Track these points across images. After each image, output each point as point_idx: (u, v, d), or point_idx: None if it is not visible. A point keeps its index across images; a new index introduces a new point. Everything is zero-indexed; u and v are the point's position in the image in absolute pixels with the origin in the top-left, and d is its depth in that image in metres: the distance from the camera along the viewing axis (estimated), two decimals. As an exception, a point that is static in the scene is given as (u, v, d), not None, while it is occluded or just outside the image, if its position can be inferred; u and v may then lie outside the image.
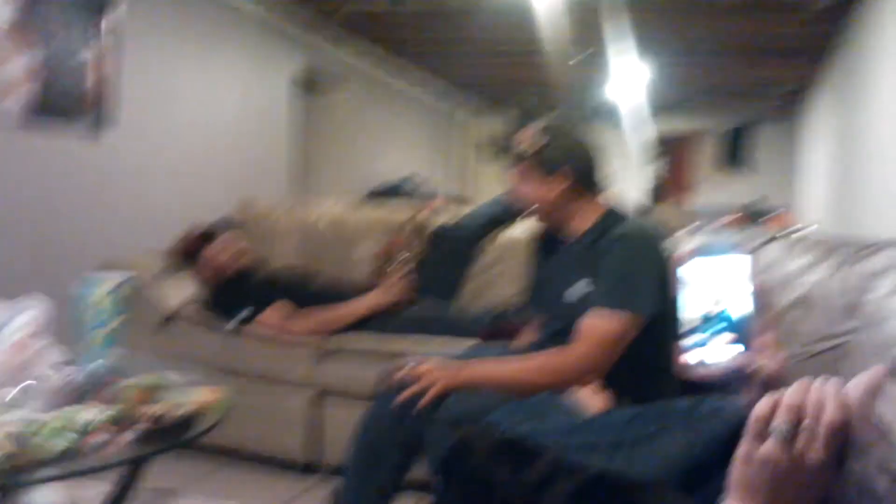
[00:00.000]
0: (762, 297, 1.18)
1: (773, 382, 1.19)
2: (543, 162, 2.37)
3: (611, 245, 2.28)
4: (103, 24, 4.62)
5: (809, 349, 2.28)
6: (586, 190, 2.42)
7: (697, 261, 1.21)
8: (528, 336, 2.74)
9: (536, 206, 2.42)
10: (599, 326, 2.21)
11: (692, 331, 1.20)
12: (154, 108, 5.27)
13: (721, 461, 1.30)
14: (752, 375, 1.20)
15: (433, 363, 2.25)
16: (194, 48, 5.73)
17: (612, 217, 2.39)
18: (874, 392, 0.89)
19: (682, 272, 1.21)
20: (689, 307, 1.20)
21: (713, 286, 1.20)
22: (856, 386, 0.90)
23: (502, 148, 2.37)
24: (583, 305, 2.29)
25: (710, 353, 1.19)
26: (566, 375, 2.20)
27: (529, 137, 2.41)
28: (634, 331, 2.21)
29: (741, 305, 1.18)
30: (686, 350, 1.19)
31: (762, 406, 0.94)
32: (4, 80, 3.97)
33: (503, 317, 3.35)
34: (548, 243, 2.60)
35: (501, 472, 1.37)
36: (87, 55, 4.52)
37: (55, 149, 4.39)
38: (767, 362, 1.17)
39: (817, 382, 0.92)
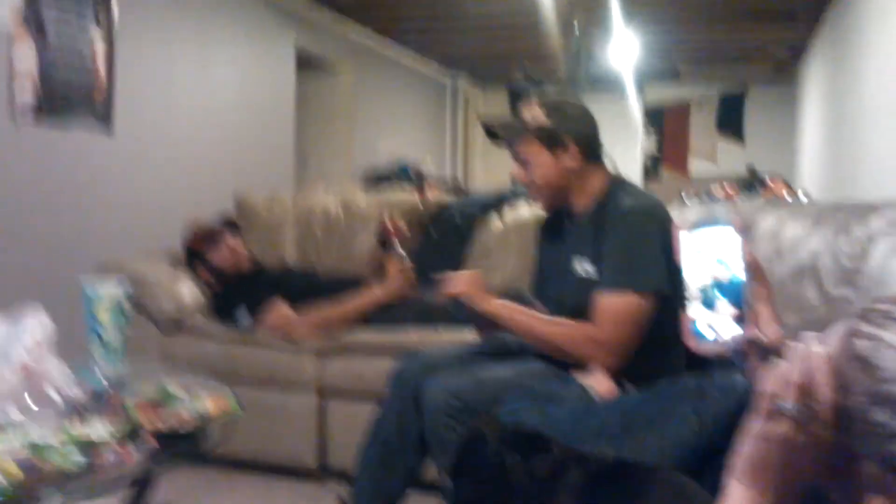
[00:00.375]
0: (756, 269, 1.18)
1: (772, 354, 1.19)
2: (547, 136, 2.35)
3: (614, 222, 2.27)
4: (104, 16, 4.63)
5: (810, 317, 2.29)
6: (590, 160, 2.40)
7: (690, 234, 1.21)
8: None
9: (542, 182, 2.39)
10: (614, 307, 2.20)
11: (694, 303, 1.20)
12: (152, 98, 5.24)
13: (730, 440, 1.32)
14: (751, 348, 1.20)
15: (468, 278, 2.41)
16: (192, 32, 5.68)
17: (617, 186, 2.38)
18: (850, 334, 0.92)
19: (678, 245, 1.21)
20: (688, 280, 1.20)
21: (707, 259, 1.20)
22: (834, 332, 0.94)
23: (503, 126, 2.35)
24: (591, 282, 2.28)
25: (712, 326, 1.19)
26: (595, 354, 2.20)
27: (530, 113, 2.38)
28: (649, 309, 2.19)
29: (736, 278, 1.18)
30: (691, 323, 1.19)
31: (771, 382, 0.97)
32: (10, 74, 4.00)
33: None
34: (553, 225, 2.58)
35: (513, 460, 1.38)
36: (90, 48, 4.54)
37: (57, 144, 4.40)
38: (765, 334, 1.18)
39: (807, 347, 0.96)
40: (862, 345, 0.91)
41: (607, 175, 2.42)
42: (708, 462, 1.31)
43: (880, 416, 0.87)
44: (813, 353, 0.94)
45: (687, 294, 1.20)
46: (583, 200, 2.39)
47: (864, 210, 2.36)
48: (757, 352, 1.20)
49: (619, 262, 2.23)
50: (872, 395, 0.88)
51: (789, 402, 0.94)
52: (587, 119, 2.43)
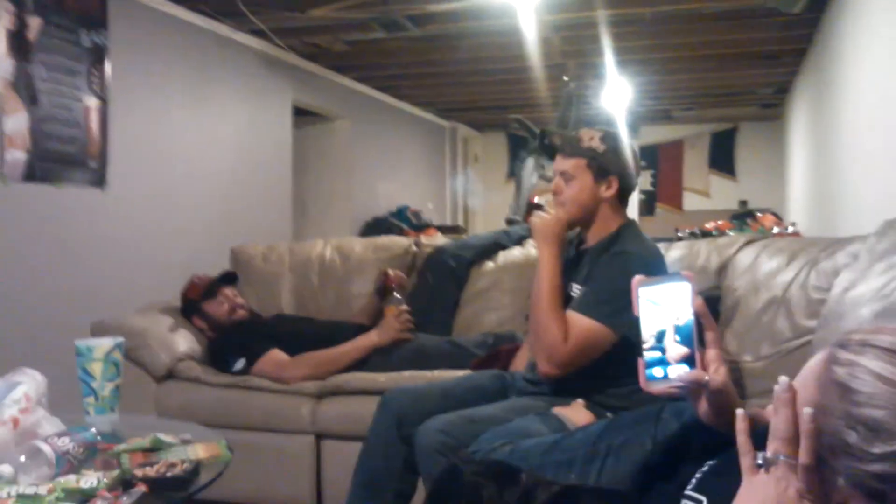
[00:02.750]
0: (704, 315, 1.27)
1: (719, 394, 1.28)
2: (599, 166, 2.46)
3: (611, 259, 2.38)
4: (97, 74, 4.74)
5: (782, 348, 2.37)
6: (619, 203, 2.53)
7: (645, 289, 1.32)
8: (524, 355, 2.83)
9: (574, 201, 2.49)
10: (580, 326, 2.32)
11: (648, 349, 1.30)
12: (148, 153, 5.29)
13: (675, 458, 1.40)
14: (700, 389, 1.29)
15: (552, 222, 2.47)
16: (187, 87, 5.75)
17: (627, 231, 2.49)
18: (829, 361, 1.00)
19: (635, 297, 1.32)
20: (645, 329, 1.31)
21: (662, 311, 1.30)
22: (813, 362, 1.03)
23: (565, 139, 2.42)
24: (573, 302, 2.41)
25: (663, 369, 1.29)
26: (549, 355, 2.33)
27: (590, 137, 2.49)
28: (609, 342, 2.30)
29: (687, 324, 1.28)
30: (645, 367, 1.29)
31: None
32: (1, 138, 4.07)
33: (500, 342, 3.40)
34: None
35: (489, 492, 1.46)
36: (82, 107, 4.63)
37: (49, 202, 4.45)
38: (712, 376, 1.27)
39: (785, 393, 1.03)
40: (840, 371, 0.98)
41: (624, 218, 2.53)
42: (657, 481, 1.39)
43: (854, 438, 0.94)
44: (790, 397, 1.02)
45: (642, 339, 1.29)
46: (597, 234, 2.51)
47: (834, 244, 2.44)
48: (705, 392, 1.29)
49: (599, 294, 2.34)
50: (847, 418, 0.95)
51: (771, 454, 1.02)
52: (634, 163, 2.55)
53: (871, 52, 4.06)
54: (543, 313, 2.36)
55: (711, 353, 1.28)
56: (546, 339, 2.34)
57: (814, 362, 1.03)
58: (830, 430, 0.96)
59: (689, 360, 1.28)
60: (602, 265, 2.38)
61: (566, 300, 2.44)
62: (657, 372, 1.29)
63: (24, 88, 4.22)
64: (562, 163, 2.51)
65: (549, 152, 2.63)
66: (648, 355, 1.29)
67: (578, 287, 2.44)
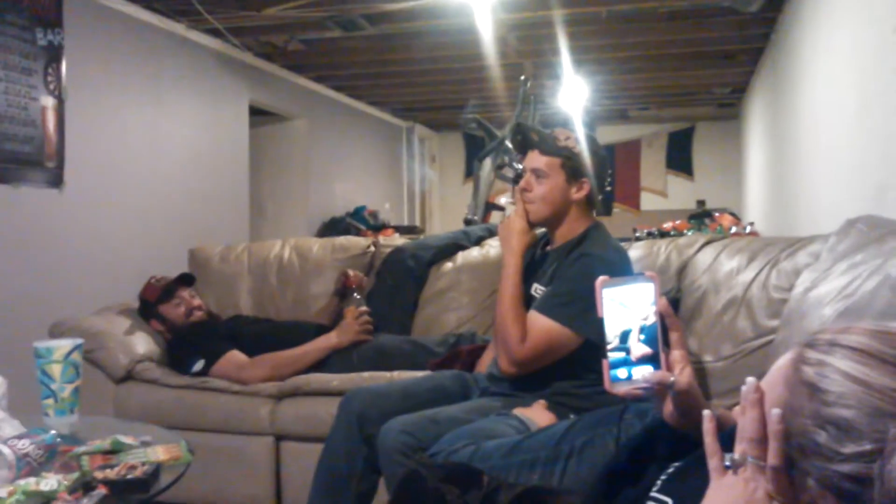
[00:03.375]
0: (668, 315, 1.27)
1: (684, 395, 1.28)
2: (573, 167, 2.46)
3: (574, 260, 2.38)
4: (54, 74, 4.68)
5: (743, 348, 2.39)
6: (588, 205, 2.52)
7: (609, 290, 1.31)
8: (489, 355, 2.83)
9: (545, 199, 2.47)
10: (541, 327, 2.32)
11: (612, 350, 1.29)
12: (104, 153, 5.24)
13: (639, 461, 1.40)
14: (665, 390, 1.29)
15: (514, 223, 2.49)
16: (143, 87, 5.70)
17: (594, 232, 2.49)
18: (798, 361, 1.00)
19: (599, 298, 1.31)
20: (609, 330, 1.30)
21: (625, 312, 1.29)
22: (781, 362, 1.02)
23: (541, 136, 2.38)
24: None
25: (627, 370, 1.28)
26: (508, 357, 2.34)
27: (567, 138, 2.48)
28: (571, 345, 2.30)
29: (651, 326, 1.28)
30: (609, 368, 1.29)
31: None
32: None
33: (461, 342, 3.39)
34: (527, 256, 2.68)
35: (451, 494, 1.44)
36: (39, 107, 4.57)
37: (6, 203, 4.40)
38: (677, 377, 1.27)
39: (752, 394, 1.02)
40: (809, 371, 0.98)
41: (591, 220, 2.53)
42: (621, 481, 1.39)
43: (822, 437, 0.93)
44: (758, 398, 1.01)
45: (607, 341, 1.29)
46: (564, 235, 2.50)
47: (794, 244, 2.46)
48: (668, 392, 1.29)
49: (561, 296, 2.33)
50: (816, 418, 0.95)
51: (739, 455, 1.01)
52: (606, 168, 2.56)
53: (829, 52, 4.10)
54: (504, 313, 2.36)
55: (676, 354, 1.28)
56: (506, 338, 2.34)
57: (782, 362, 1.03)
58: (799, 431, 0.96)
59: (653, 361, 1.28)
60: (565, 267, 2.38)
61: (528, 301, 2.44)
62: (621, 373, 1.29)
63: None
64: (535, 160, 2.49)
65: (521, 147, 2.57)
66: (613, 356, 1.29)
67: (542, 288, 2.44)
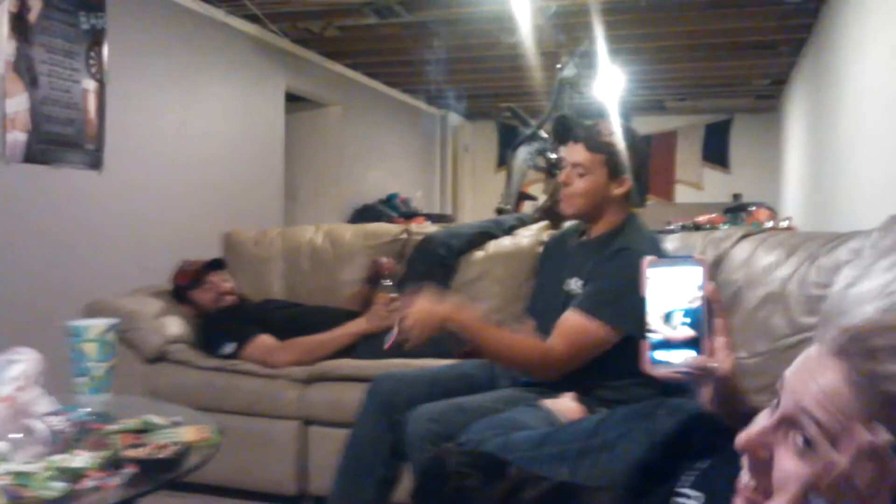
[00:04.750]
0: (715, 299, 1.24)
1: (725, 383, 1.25)
2: (615, 164, 2.42)
3: (612, 255, 2.35)
4: (96, 58, 4.72)
5: (779, 344, 2.34)
6: (628, 200, 2.48)
7: (656, 270, 1.28)
8: None
9: (584, 194, 2.44)
10: (581, 328, 2.28)
11: (654, 331, 1.26)
12: (143, 136, 5.28)
13: (673, 458, 1.37)
14: (706, 376, 1.26)
15: (416, 317, 2.23)
16: (181, 72, 5.73)
17: (630, 225, 2.46)
18: (862, 376, 0.90)
19: (644, 279, 1.28)
20: (651, 310, 1.27)
21: (671, 293, 1.26)
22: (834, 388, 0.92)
23: (586, 130, 2.33)
24: (574, 300, 2.37)
25: (668, 352, 1.25)
26: (539, 367, 2.28)
27: (610, 133, 2.44)
28: (610, 342, 2.27)
29: (696, 307, 1.25)
30: (649, 349, 1.26)
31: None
32: (2, 117, 4.07)
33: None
34: (556, 250, 2.67)
35: (472, 484, 1.43)
36: (81, 90, 4.61)
37: (47, 183, 4.44)
38: (720, 364, 1.24)
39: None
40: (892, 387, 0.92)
41: (627, 212, 2.49)
42: (655, 479, 1.36)
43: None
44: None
45: (648, 322, 1.26)
46: (601, 228, 2.47)
47: (834, 239, 2.41)
48: (709, 377, 1.26)
49: (600, 292, 2.31)
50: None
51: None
52: (647, 162, 2.52)
53: (874, 44, 4.03)
54: (514, 360, 2.33)
55: (720, 341, 1.25)
56: (528, 366, 2.33)
57: (831, 382, 0.91)
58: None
59: (695, 346, 1.25)
60: (605, 263, 2.35)
61: (564, 295, 2.42)
62: (661, 356, 1.25)
63: (26, 70, 4.21)
64: (578, 153, 2.45)
65: (563, 139, 2.54)
66: (653, 337, 1.26)
67: (578, 281, 2.40)
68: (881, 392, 0.88)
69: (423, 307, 2.25)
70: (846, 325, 0.94)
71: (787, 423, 0.93)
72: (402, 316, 2.25)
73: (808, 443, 0.91)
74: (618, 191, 2.43)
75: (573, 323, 2.29)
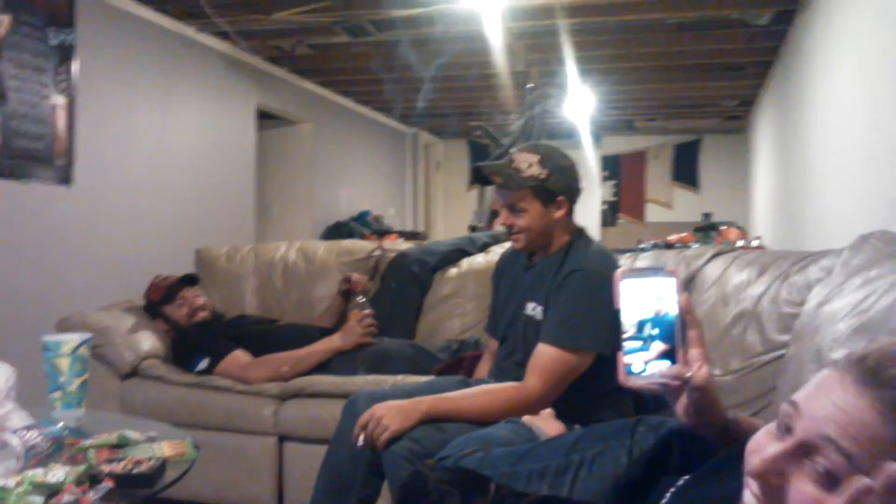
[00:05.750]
0: (688, 310, 1.25)
1: (701, 392, 1.26)
2: (545, 191, 2.41)
3: (566, 278, 2.35)
4: (65, 73, 4.71)
5: (752, 362, 2.36)
6: (570, 214, 2.49)
7: (628, 282, 1.29)
8: (485, 365, 2.81)
9: (529, 230, 2.44)
10: (553, 362, 2.29)
11: (628, 343, 1.27)
12: (114, 152, 5.27)
13: (653, 474, 1.38)
14: (681, 386, 1.27)
15: (388, 408, 2.24)
16: (153, 88, 5.73)
17: (579, 240, 2.47)
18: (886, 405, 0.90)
19: (616, 289, 1.29)
20: (625, 322, 1.28)
21: (644, 305, 1.27)
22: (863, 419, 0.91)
23: (504, 175, 2.33)
24: (533, 328, 2.39)
25: (643, 363, 1.26)
26: (522, 411, 2.27)
27: (526, 163, 2.42)
28: (584, 366, 2.29)
29: (669, 317, 1.26)
30: (625, 361, 1.26)
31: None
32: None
33: (464, 348, 3.39)
34: (509, 268, 2.68)
35: (452, 501, 1.43)
36: (50, 105, 4.59)
37: (16, 199, 4.42)
38: (696, 374, 1.24)
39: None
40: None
41: (574, 228, 2.51)
42: (633, 495, 1.37)
43: None
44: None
45: (623, 333, 1.27)
46: (550, 249, 2.48)
47: (805, 258, 2.44)
48: (684, 388, 1.27)
49: (562, 319, 2.31)
50: None
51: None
52: (576, 174, 2.50)
53: (840, 65, 4.09)
54: (499, 413, 2.27)
55: (695, 352, 1.26)
56: (503, 408, 2.28)
57: (862, 411, 0.90)
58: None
59: (670, 356, 1.26)
60: (561, 289, 2.35)
61: (522, 319, 2.45)
62: (637, 367, 1.26)
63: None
64: (505, 196, 2.46)
65: (487, 184, 2.54)
66: (628, 347, 1.27)
67: (537, 307, 2.42)
68: None
69: (395, 405, 2.25)
70: (864, 351, 0.94)
71: (805, 450, 0.93)
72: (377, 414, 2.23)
73: (829, 472, 0.90)
74: (558, 213, 2.43)
75: (546, 360, 2.29)
